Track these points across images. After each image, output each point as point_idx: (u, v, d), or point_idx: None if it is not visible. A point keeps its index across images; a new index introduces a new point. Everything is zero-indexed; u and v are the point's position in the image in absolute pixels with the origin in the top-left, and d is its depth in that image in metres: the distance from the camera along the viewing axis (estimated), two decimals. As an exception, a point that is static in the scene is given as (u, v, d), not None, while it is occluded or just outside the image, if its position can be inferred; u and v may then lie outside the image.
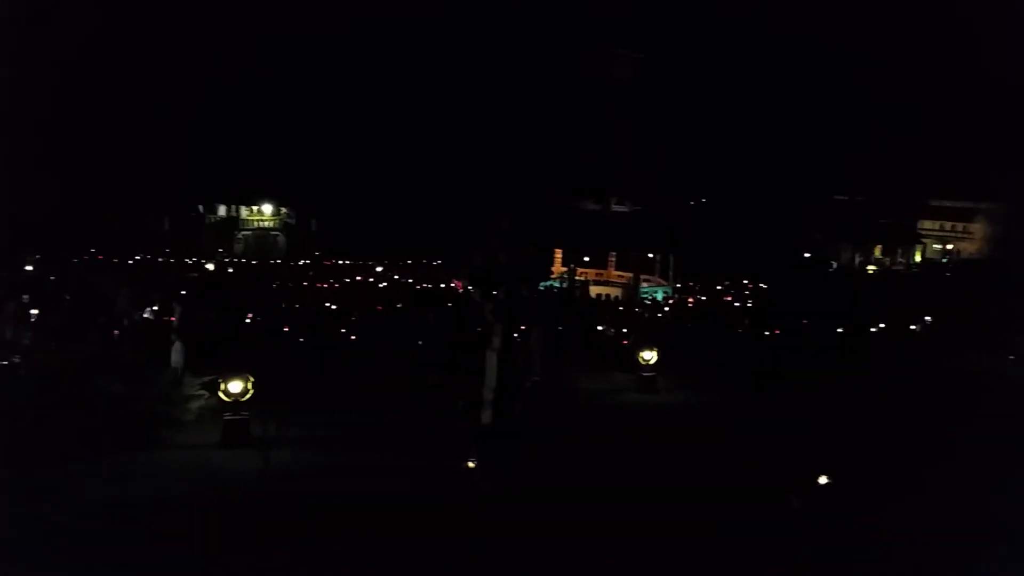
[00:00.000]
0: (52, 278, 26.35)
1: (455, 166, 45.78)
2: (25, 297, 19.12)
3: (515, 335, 12.92)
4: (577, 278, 35.11)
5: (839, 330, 22.31)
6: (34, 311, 17.92)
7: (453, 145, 46.49)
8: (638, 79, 36.28)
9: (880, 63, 45.61)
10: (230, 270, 37.25)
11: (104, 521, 9.27)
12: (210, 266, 36.84)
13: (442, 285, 32.87)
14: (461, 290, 29.09)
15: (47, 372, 13.86)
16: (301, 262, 40.93)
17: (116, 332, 16.71)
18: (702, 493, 10.25)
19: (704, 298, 32.61)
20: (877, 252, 49.91)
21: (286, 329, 19.12)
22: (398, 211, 45.42)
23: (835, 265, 45.33)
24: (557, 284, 33.38)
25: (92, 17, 39.36)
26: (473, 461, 11.01)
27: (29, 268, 29.67)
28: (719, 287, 34.94)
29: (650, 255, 36.15)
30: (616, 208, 36.25)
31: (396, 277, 35.76)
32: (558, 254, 36.99)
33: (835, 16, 47.92)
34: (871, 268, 46.67)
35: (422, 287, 32.62)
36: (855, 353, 19.78)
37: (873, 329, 23.11)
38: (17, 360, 14.37)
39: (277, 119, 46.33)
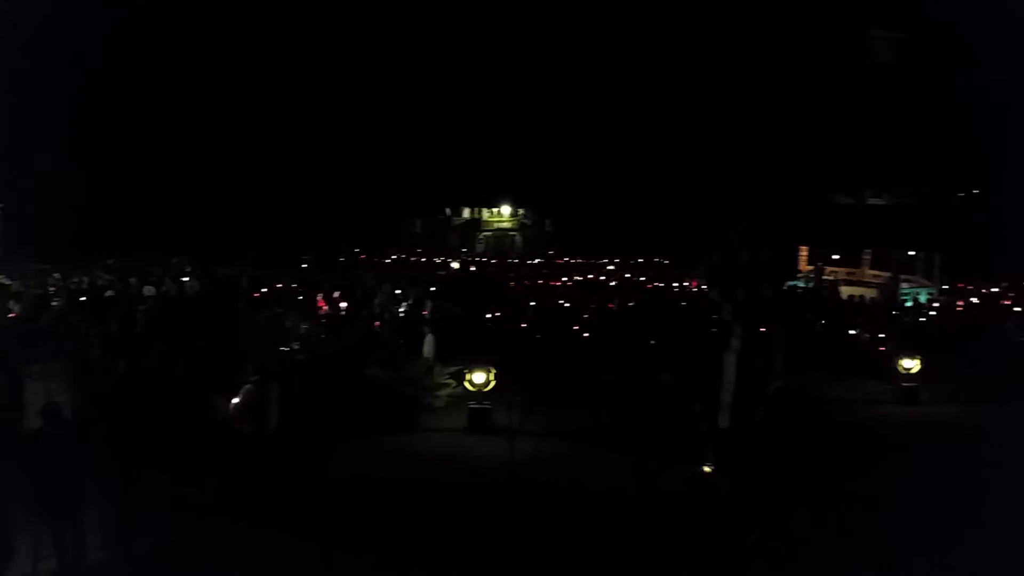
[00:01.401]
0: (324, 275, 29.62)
1: (692, 160, 44.74)
2: (336, 293, 21.46)
3: (756, 337, 12.33)
4: (825, 277, 32.78)
5: None
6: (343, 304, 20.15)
7: (691, 138, 45.44)
8: (899, 61, 33.02)
9: None
10: (472, 268, 39.56)
11: (371, 496, 10.10)
12: (455, 265, 39.40)
13: (675, 284, 32.35)
14: (695, 289, 28.44)
15: (321, 358, 15.66)
16: (536, 261, 42.43)
17: (377, 324, 18.42)
18: (965, 525, 9.04)
19: (976, 300, 28.94)
20: None
21: (524, 326, 19.97)
22: (630, 210, 45.43)
23: None
24: (802, 284, 31.41)
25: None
26: (709, 466, 10.71)
27: (304, 266, 33.78)
28: (995, 289, 30.82)
29: (911, 253, 32.78)
30: (872, 201, 33.28)
31: (628, 276, 35.80)
32: (803, 252, 34.80)
33: None
34: None
35: (654, 286, 32.35)
36: None
37: None
38: (296, 346, 16.34)
39: (516, 123, 48.33)
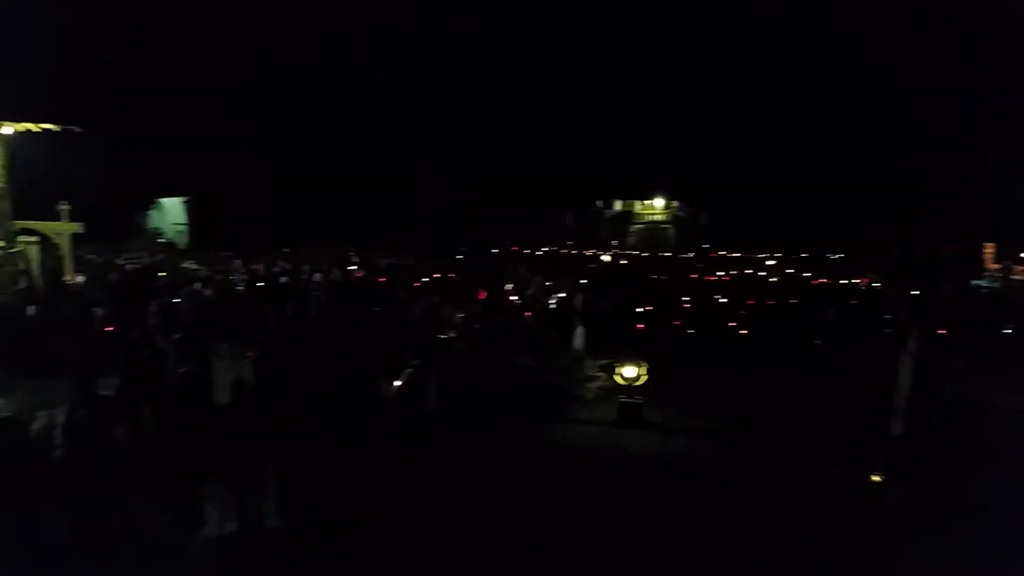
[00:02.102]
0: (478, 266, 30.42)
1: (867, 146, 41.82)
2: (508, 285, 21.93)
3: (934, 339, 11.39)
4: (1014, 277, 29.70)
5: None
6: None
7: (865, 120, 42.50)
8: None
9: None
10: (623, 262, 39.19)
11: (528, 480, 10.22)
12: (606, 257, 39.19)
13: (843, 281, 30.45)
14: (865, 287, 26.65)
15: (474, 347, 16.12)
16: (689, 254, 41.38)
17: (528, 315, 18.69)
18: None
19: None
20: None
21: (677, 321, 19.55)
22: (793, 201, 43.24)
23: None
24: (987, 283, 28.62)
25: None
26: (879, 474, 10.02)
27: (459, 257, 34.82)
28: None
29: None
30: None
31: (791, 271, 34.13)
32: (989, 249, 31.71)
33: None
34: None
35: (820, 282, 30.62)
36: None
37: None
38: (453, 335, 16.90)
39: (673, 113, 47.30)
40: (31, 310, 15.90)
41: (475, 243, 38.51)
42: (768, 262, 36.07)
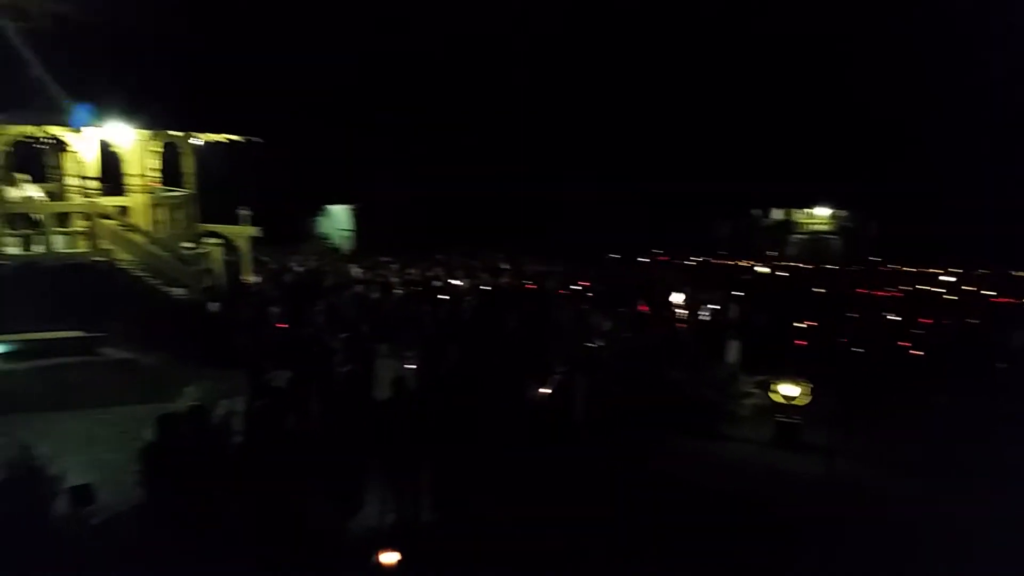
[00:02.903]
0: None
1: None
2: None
3: None
4: None
5: None
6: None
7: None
8: None
9: None
10: (781, 273, 37.45)
11: (677, 498, 9.94)
12: (763, 268, 37.59)
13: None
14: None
15: (623, 356, 15.94)
16: (855, 267, 38.88)
17: (679, 326, 18.26)
18: None
19: None
20: None
21: (841, 340, 18.37)
22: (974, 214, 39.68)
23: None
24: None
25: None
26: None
27: (608, 265, 34.60)
28: None
29: None
30: None
31: (970, 288, 31.27)
32: None
33: None
34: None
35: (1005, 301, 27.84)
36: None
37: None
38: (601, 343, 16.81)
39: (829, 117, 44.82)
40: (214, 307, 17.39)
41: (624, 251, 38.15)
42: (945, 277, 33.23)
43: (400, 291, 21.39)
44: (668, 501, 9.75)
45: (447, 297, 20.31)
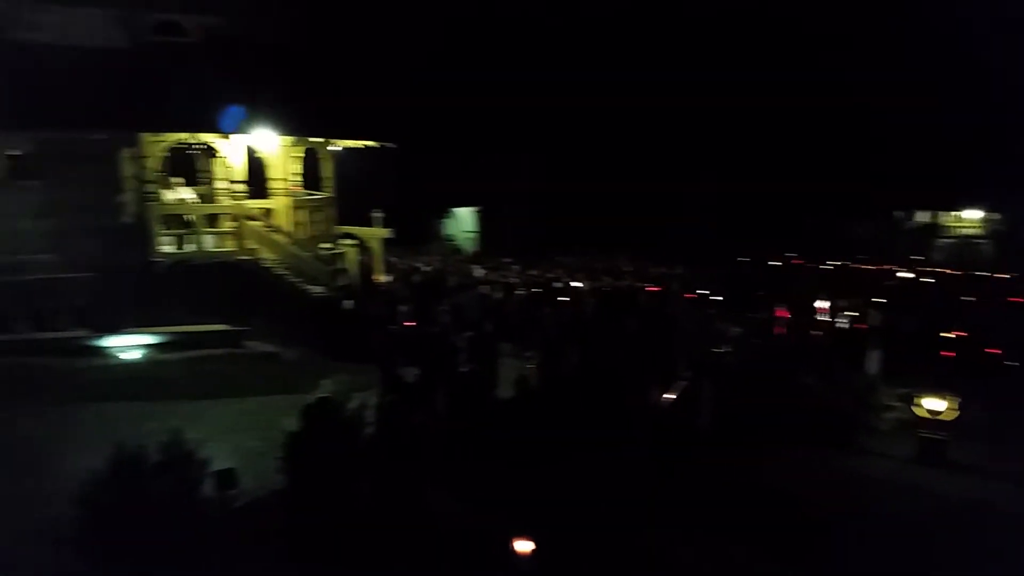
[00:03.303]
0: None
1: None
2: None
3: None
4: None
5: None
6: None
7: None
8: None
9: None
10: (927, 279, 34.97)
11: (808, 515, 9.46)
12: (906, 274, 35.26)
13: None
14: None
15: (752, 362, 15.36)
16: (1008, 274, 35.74)
17: (814, 332, 17.43)
18: None
19: None
20: None
21: (993, 351, 16.93)
22: None
23: None
24: None
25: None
26: None
27: (737, 269, 33.48)
28: None
29: None
30: None
31: None
32: None
33: None
34: None
35: None
36: None
37: None
38: (728, 349, 16.29)
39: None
40: (348, 305, 18.19)
41: (755, 254, 36.79)
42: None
43: (522, 292, 21.59)
44: (796, 516, 9.32)
45: (567, 299, 20.31)
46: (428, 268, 28.85)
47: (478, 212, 44.06)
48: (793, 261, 39.07)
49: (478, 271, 28.25)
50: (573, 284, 24.18)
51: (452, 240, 43.91)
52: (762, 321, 18.77)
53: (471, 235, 43.85)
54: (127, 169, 18.08)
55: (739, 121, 45.71)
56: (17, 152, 17.07)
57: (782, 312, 18.79)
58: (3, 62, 16.03)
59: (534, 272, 28.06)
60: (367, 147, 22.90)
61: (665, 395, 11.17)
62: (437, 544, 7.38)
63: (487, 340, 12.80)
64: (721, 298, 22.39)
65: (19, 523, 7.88)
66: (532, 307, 19.04)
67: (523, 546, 6.79)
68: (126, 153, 17.98)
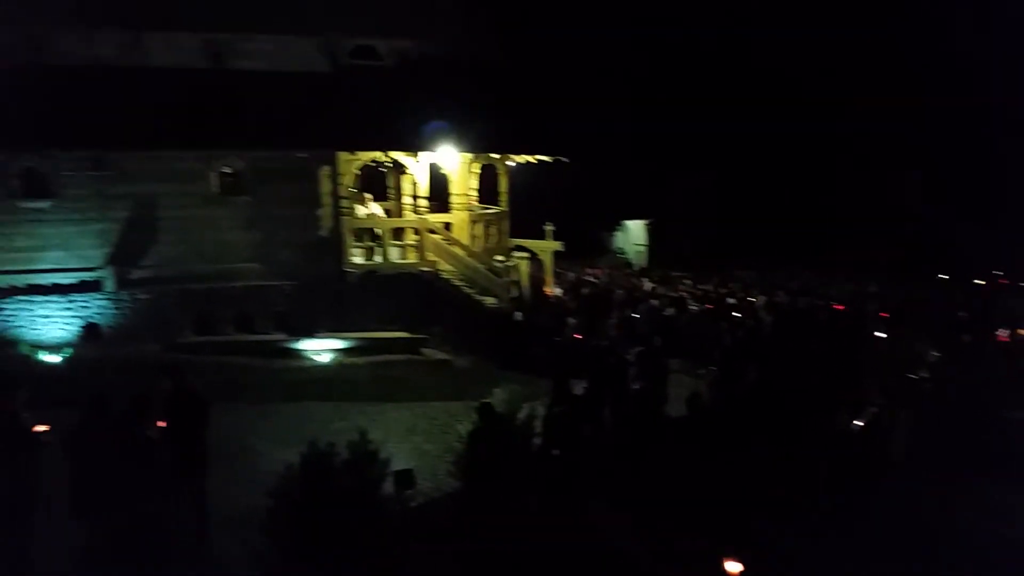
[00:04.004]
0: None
1: None
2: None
3: None
4: None
5: None
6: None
7: None
8: None
9: None
10: None
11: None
12: None
13: None
14: None
15: (950, 391, 13.91)
16: None
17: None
18: None
19: None
20: None
21: None
22: None
23: None
24: None
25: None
26: None
27: (937, 287, 30.60)
28: None
29: None
30: None
31: None
32: None
33: None
34: None
35: None
36: None
37: None
38: (925, 375, 14.87)
39: None
40: (518, 316, 18.55)
41: (956, 271, 33.40)
42: None
43: (694, 307, 20.96)
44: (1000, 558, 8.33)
45: (742, 315, 19.46)
46: (597, 281, 28.76)
47: (648, 224, 43.44)
48: (999, 280, 35.12)
49: (648, 284, 27.78)
50: (749, 299, 23.14)
51: (623, 253, 43.56)
52: (966, 345, 16.99)
53: (642, 248, 43.27)
54: (324, 185, 19.53)
55: (945, 125, 41.95)
56: (229, 170, 18.91)
57: (1003, 337, 16.96)
58: (221, 88, 17.92)
59: (707, 286, 27.12)
60: (540, 161, 23.30)
61: (854, 422, 10.37)
62: (604, 562, 7.30)
63: (657, 355, 12.53)
64: (918, 319, 20.52)
65: (223, 510, 8.66)
66: (705, 322, 18.44)
67: (733, 567, 6.56)
68: (324, 171, 19.42)
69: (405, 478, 8.14)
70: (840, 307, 22.89)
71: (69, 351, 16.37)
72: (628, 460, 8.53)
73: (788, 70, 42.76)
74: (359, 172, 20.80)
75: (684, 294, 24.11)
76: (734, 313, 19.80)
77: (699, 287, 26.97)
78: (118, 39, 17.99)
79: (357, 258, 20.04)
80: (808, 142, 43.71)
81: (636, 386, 10.40)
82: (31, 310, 17.23)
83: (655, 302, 20.90)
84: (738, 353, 14.15)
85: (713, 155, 43.15)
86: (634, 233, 43.98)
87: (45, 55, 17.31)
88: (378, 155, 20.59)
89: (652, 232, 43.14)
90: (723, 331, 16.51)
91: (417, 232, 20.28)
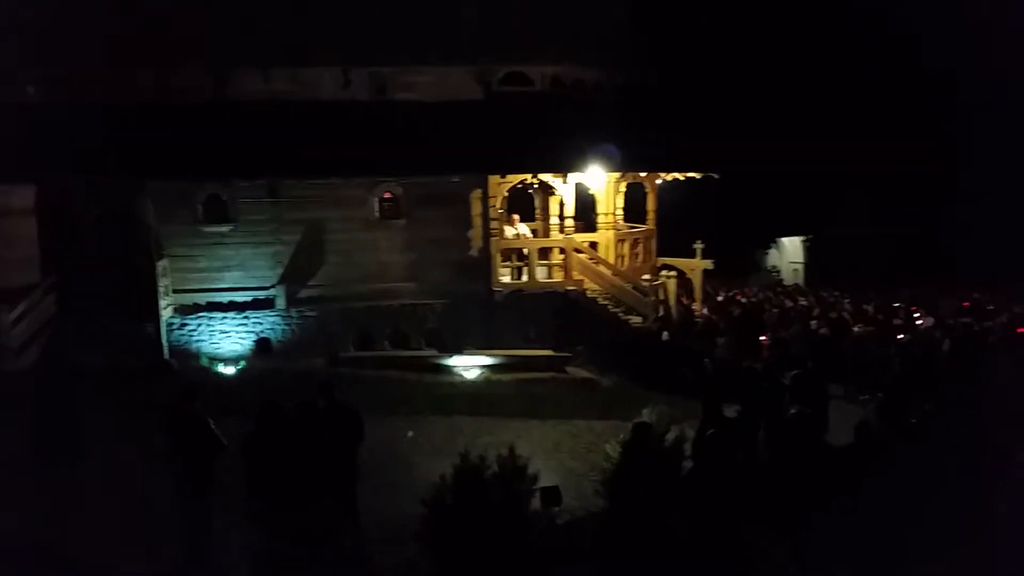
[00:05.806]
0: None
1: None
2: None
3: None
4: None
5: None
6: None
7: None
8: None
9: None
10: None
11: None
12: None
13: None
14: None
15: None
16: None
17: None
18: None
19: None
20: None
21: None
22: None
23: None
24: None
25: None
26: None
27: None
28: None
29: None
30: None
31: None
32: None
33: None
34: None
35: None
36: None
37: None
38: None
39: None
40: (665, 335, 18.22)
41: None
42: None
43: (856, 329, 19.69)
44: None
45: (909, 337, 18.07)
46: (748, 300, 27.71)
47: (806, 241, 41.42)
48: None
49: (803, 304, 26.42)
50: (918, 321, 21.45)
51: (776, 271, 41.81)
52: None
53: (798, 266, 41.32)
54: (475, 208, 20.17)
55: None
56: (389, 195, 19.96)
57: None
58: (383, 119, 18.94)
59: (870, 307, 25.38)
60: (689, 179, 22.88)
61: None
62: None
63: (816, 379, 11.84)
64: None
65: (378, 518, 9.06)
66: (868, 345, 17.27)
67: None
68: (475, 193, 20.07)
69: (552, 495, 8.17)
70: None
71: (243, 363, 17.80)
72: (787, 487, 8.10)
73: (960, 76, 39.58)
74: (507, 194, 21.30)
75: (845, 315, 22.74)
76: (899, 336, 18.46)
77: (862, 308, 25.32)
78: (292, 76, 19.51)
79: (505, 277, 20.46)
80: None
81: (793, 411, 9.86)
82: (211, 325, 18.88)
83: (812, 323, 19.86)
84: (911, 380, 13.15)
85: (877, 169, 40.52)
86: (790, 251, 42.13)
87: (228, 92, 19.06)
88: (527, 177, 21.01)
89: (810, 249, 41.14)
90: (892, 356, 15.41)
91: (563, 251, 20.45)
